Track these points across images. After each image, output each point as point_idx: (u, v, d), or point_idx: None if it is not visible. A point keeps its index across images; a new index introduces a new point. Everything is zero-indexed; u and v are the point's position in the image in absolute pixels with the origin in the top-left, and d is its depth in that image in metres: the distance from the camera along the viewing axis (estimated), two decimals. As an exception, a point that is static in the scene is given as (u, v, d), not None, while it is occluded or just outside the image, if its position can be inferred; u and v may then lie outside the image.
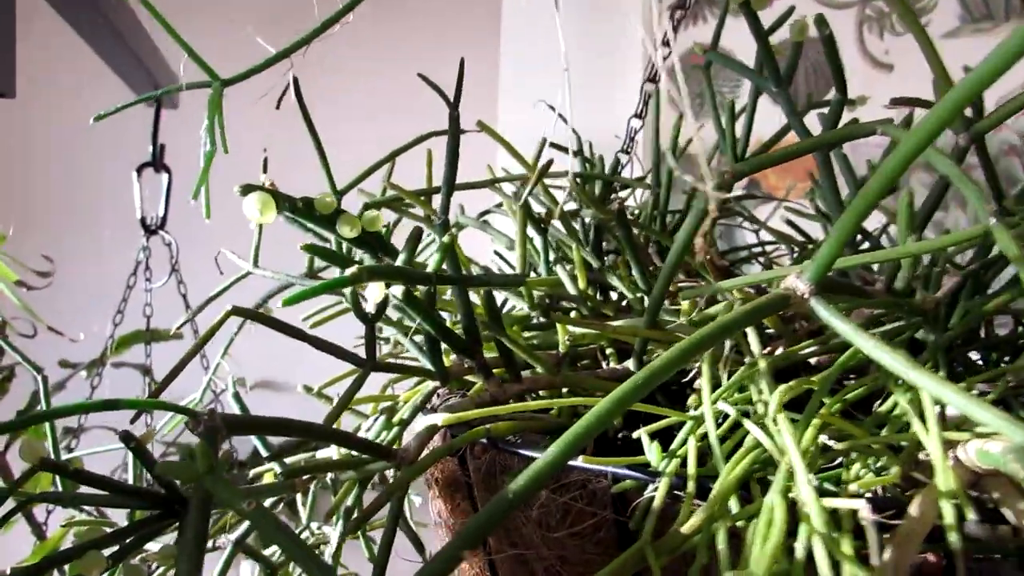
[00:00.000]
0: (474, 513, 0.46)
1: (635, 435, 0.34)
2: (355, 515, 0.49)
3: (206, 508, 0.25)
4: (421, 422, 0.29)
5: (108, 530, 0.47)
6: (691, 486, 0.29)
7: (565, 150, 0.62)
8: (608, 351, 0.50)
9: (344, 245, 0.40)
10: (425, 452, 0.43)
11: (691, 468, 0.30)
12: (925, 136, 0.23)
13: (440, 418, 0.29)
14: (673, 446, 0.32)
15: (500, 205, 0.69)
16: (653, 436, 0.35)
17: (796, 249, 0.64)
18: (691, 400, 0.37)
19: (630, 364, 0.46)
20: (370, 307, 0.30)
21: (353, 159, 0.52)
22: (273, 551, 0.67)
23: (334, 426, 0.51)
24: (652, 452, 0.31)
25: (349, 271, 0.29)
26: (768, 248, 0.82)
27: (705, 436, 0.31)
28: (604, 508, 0.34)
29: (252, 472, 0.58)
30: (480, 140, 0.68)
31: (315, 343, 0.42)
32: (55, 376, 1.39)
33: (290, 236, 0.66)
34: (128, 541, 0.38)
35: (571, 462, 0.34)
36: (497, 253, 0.66)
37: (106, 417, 1.39)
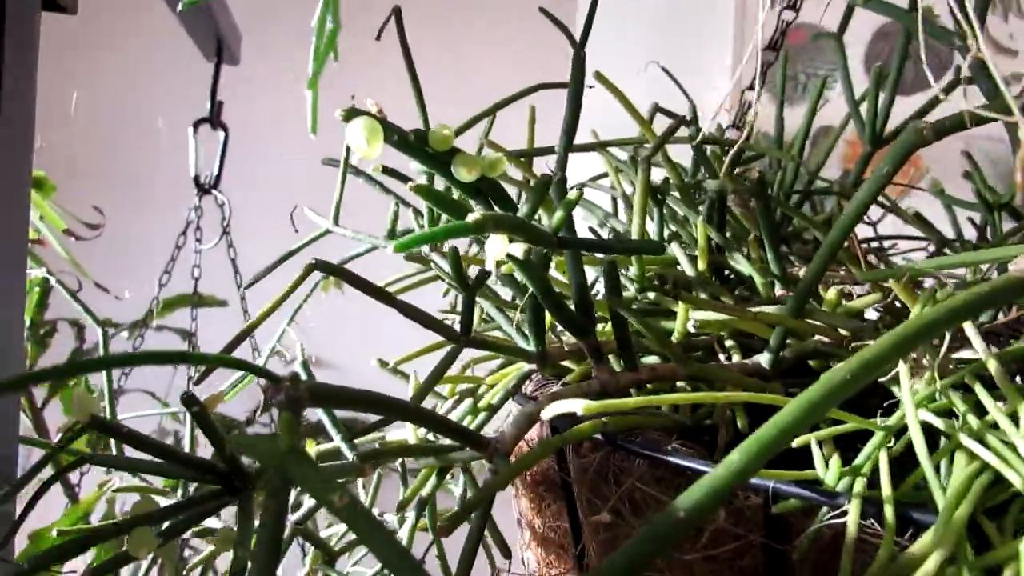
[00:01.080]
0: (569, 517, 0.40)
1: (797, 443, 0.27)
2: (428, 506, 0.44)
3: (285, 495, 0.20)
4: (558, 407, 0.23)
5: (160, 503, 0.42)
6: (890, 513, 0.23)
7: (675, 116, 0.56)
8: (728, 343, 0.44)
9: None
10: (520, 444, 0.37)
11: (886, 490, 0.23)
12: None
13: (580, 405, 0.24)
14: (857, 461, 0.25)
15: (596, 178, 0.62)
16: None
17: (942, 244, 0.56)
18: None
19: (761, 359, 0.39)
20: (490, 263, 0.25)
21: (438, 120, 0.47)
22: (331, 534, 0.63)
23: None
24: (831, 467, 0.25)
25: (472, 217, 0.23)
26: (885, 244, 0.73)
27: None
28: (752, 531, 0.27)
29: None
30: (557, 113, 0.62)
31: (403, 309, 0.37)
32: (96, 335, 1.38)
33: (360, 200, 0.61)
34: (182, 518, 0.34)
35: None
36: (592, 230, 0.60)
37: (144, 381, 1.37)
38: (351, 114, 0.25)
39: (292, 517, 0.49)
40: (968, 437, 0.23)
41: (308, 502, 0.48)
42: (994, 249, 0.25)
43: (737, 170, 0.51)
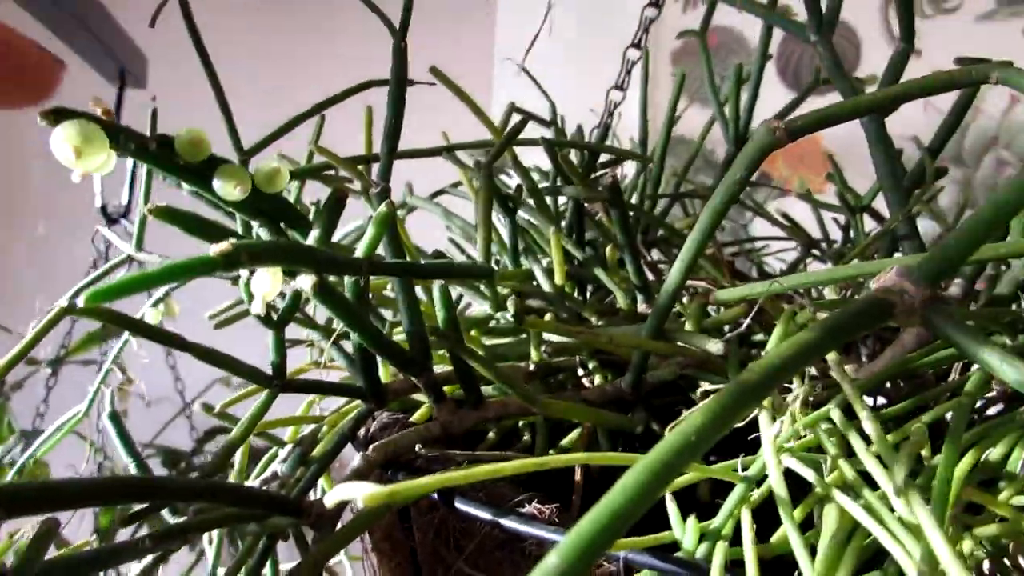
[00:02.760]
0: (417, 580, 0.34)
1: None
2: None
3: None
4: (338, 492, 0.18)
5: None
6: (754, 591, 0.19)
7: (540, 119, 0.52)
8: (590, 364, 0.40)
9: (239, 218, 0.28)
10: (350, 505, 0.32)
11: (750, 563, 0.19)
12: None
13: (361, 491, 0.18)
14: (717, 522, 0.21)
15: (458, 185, 0.58)
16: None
17: (809, 246, 0.55)
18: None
19: (623, 382, 0.36)
20: (257, 306, 0.19)
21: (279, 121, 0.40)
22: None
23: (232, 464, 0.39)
24: (689, 530, 0.21)
25: (216, 248, 0.17)
26: (758, 244, 0.73)
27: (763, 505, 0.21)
28: (607, 605, 0.23)
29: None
30: (446, 115, 0.56)
31: (200, 354, 0.31)
32: (16, 375, 1.23)
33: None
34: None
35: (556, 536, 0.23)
36: (453, 242, 0.55)
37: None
38: (59, 116, 0.19)
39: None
40: (838, 490, 0.19)
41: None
42: (852, 265, 0.22)
43: (599, 174, 0.48)
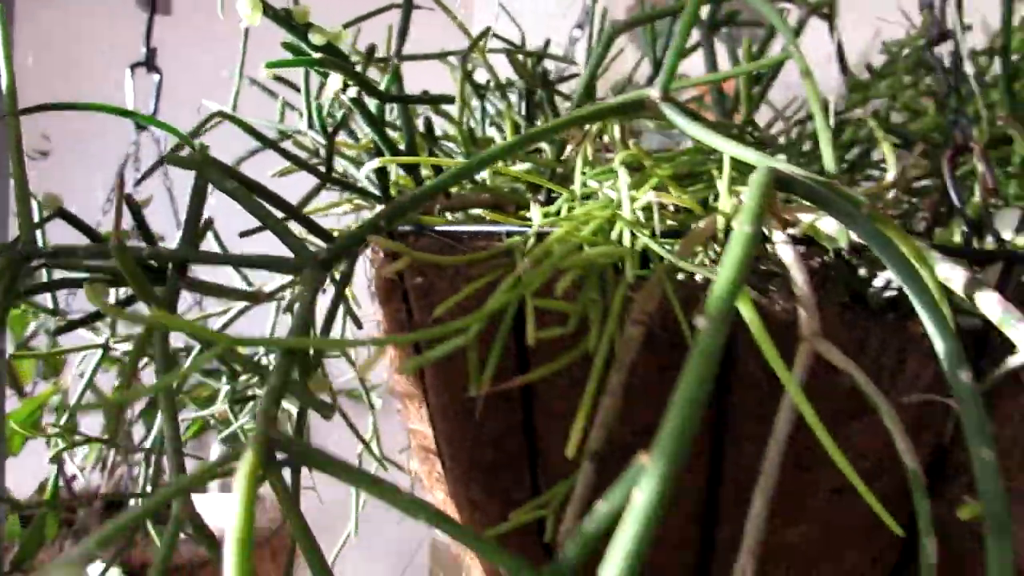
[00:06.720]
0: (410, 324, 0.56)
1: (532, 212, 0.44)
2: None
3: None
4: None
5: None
6: (558, 233, 0.40)
7: (511, 43, 0.72)
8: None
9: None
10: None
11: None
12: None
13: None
14: (551, 208, 0.42)
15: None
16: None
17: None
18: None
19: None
20: (328, 92, 0.40)
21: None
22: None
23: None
24: (536, 215, 0.41)
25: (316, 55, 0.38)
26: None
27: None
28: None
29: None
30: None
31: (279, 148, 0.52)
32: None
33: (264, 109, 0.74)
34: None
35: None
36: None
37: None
38: (239, -8, 0.40)
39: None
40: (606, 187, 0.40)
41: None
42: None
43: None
